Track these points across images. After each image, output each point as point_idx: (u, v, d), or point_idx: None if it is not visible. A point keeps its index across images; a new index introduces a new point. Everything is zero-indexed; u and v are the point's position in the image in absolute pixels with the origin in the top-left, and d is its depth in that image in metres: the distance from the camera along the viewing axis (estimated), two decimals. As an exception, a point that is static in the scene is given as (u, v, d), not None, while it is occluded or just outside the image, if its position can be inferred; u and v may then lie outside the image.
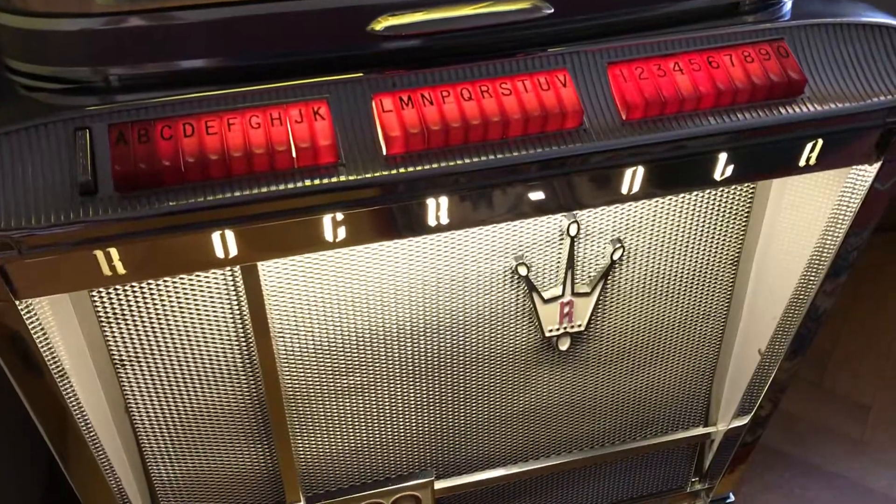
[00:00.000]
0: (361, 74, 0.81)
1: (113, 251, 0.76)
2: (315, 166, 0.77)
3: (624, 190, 0.87)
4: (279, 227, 0.79)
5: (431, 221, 0.83)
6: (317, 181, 0.77)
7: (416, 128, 0.78)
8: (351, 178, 0.77)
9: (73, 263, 0.76)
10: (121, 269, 0.77)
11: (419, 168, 0.78)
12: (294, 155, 0.76)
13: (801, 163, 0.90)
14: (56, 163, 0.74)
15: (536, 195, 0.84)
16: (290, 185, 0.76)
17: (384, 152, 0.79)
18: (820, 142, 0.88)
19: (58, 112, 0.75)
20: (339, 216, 0.79)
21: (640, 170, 0.85)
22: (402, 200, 0.80)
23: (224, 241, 0.78)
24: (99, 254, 0.76)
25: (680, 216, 1.11)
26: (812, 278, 1.13)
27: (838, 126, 0.88)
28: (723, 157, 0.87)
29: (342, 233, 0.81)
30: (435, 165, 0.79)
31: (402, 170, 0.78)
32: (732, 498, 1.52)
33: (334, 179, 0.77)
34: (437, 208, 0.82)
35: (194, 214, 0.75)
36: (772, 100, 0.86)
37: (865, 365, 1.95)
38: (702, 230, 1.14)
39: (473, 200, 0.83)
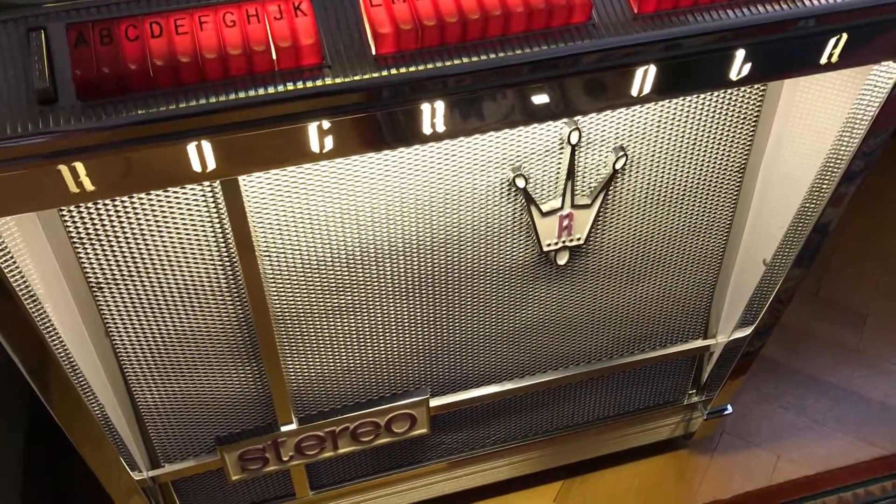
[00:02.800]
0: (345, -35, 0.73)
1: (79, 166, 0.69)
2: (297, 68, 0.70)
3: (634, 92, 0.80)
4: (260, 136, 0.72)
5: (426, 129, 0.76)
6: (300, 85, 0.70)
7: (408, 24, 0.71)
8: (337, 80, 0.70)
9: (36, 180, 0.69)
10: (89, 186, 0.71)
11: (412, 69, 0.72)
12: (274, 56, 0.69)
13: (823, 60, 0.84)
14: (10, 68, 0.67)
15: (540, 99, 0.77)
16: (271, 90, 0.69)
17: (373, 52, 0.72)
18: (844, 36, 0.82)
19: (7, 10, 0.68)
20: (326, 124, 0.73)
21: (652, 69, 0.79)
22: (394, 106, 0.73)
23: (200, 154, 0.71)
24: (63, 169, 0.69)
25: (686, 122, 1.05)
26: (824, 186, 1.08)
27: (865, 19, 0.81)
28: (740, 54, 0.80)
29: (329, 143, 0.74)
30: (429, 66, 0.72)
31: (392, 71, 0.71)
32: (730, 409, 1.51)
33: (319, 83, 0.70)
34: (432, 114, 0.75)
35: (166, 124, 0.68)
36: (795, -10, 0.79)
37: (862, 274, 1.93)
38: (708, 136, 1.08)
39: (471, 105, 0.76)
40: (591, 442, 1.50)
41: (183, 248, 0.96)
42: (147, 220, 0.92)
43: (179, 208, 0.92)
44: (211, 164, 0.73)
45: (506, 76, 0.74)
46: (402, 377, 1.23)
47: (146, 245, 0.94)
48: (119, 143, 0.68)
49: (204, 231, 0.95)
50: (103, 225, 0.91)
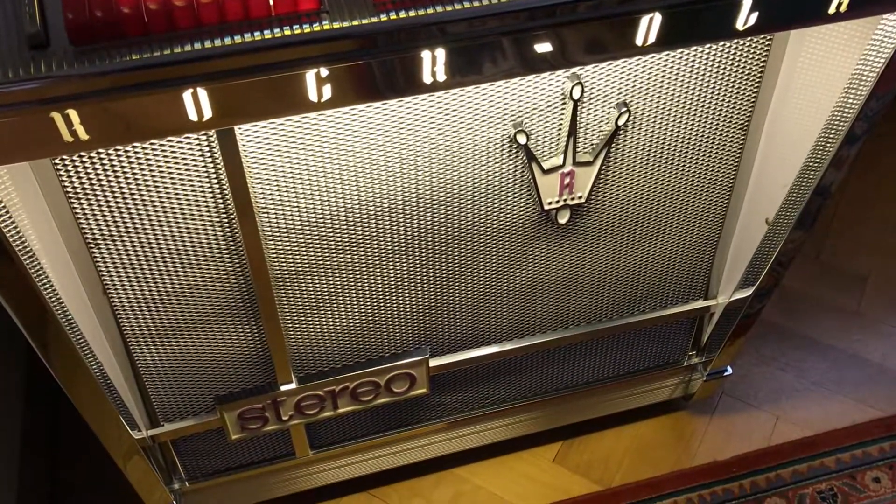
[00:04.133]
0: None
1: (72, 113, 0.68)
2: (294, 13, 0.69)
3: (639, 41, 0.79)
4: (257, 84, 0.70)
5: (426, 78, 0.75)
6: (297, 30, 0.68)
7: (409, -33, 0.69)
8: (335, 26, 0.69)
9: (28, 128, 0.68)
10: (83, 135, 0.69)
11: (412, 14, 0.70)
12: (271, 0, 0.67)
13: (831, 10, 0.82)
14: (-1, 11, 0.65)
15: (544, 47, 0.76)
16: (267, 35, 0.68)
17: (371, -3, 0.70)
18: (854, -16, 0.80)
19: (-3, -48, 0.66)
20: (324, 72, 0.71)
21: (657, 17, 0.77)
22: (393, 53, 0.72)
23: (196, 102, 0.70)
24: (56, 116, 0.68)
25: (689, 76, 1.03)
26: (828, 143, 1.06)
27: (875, -34, 0.79)
28: (747, 3, 0.79)
29: (327, 91, 0.73)
30: (430, 11, 0.70)
31: (392, 16, 0.70)
32: (730, 371, 1.51)
33: (317, 27, 0.68)
34: (433, 62, 0.74)
35: (160, 70, 0.67)
36: (804, -65, 0.77)
37: (862, 235, 1.92)
38: (712, 92, 1.06)
39: (472, 54, 0.75)
40: (591, 403, 1.50)
41: (180, 203, 0.95)
42: (143, 174, 0.91)
43: (176, 163, 0.91)
44: (207, 113, 0.71)
45: (506, 22, 0.73)
46: (402, 337, 1.22)
47: (142, 200, 0.93)
48: (113, 89, 0.67)
49: (201, 187, 0.94)
50: (99, 179, 0.90)
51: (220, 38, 0.67)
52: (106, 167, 0.89)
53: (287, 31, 0.68)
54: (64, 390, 0.99)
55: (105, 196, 0.91)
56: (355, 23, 0.69)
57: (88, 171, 0.89)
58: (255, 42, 0.68)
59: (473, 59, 0.75)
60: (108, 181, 0.90)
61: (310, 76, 0.71)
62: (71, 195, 0.91)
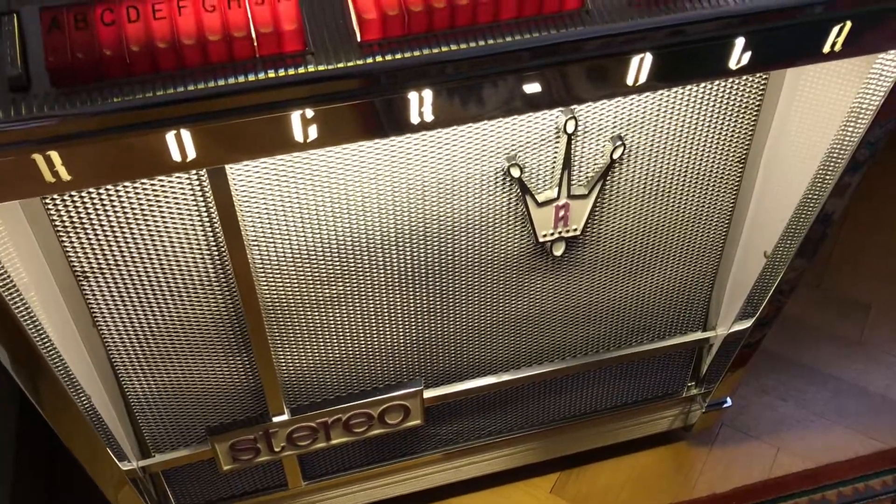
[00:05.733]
0: (332, -55, 0.70)
1: (54, 155, 0.67)
2: (279, 55, 0.68)
3: (629, 81, 0.78)
4: (241, 125, 0.70)
5: (414, 119, 0.74)
6: (281, 72, 0.67)
7: (395, 9, 0.68)
8: (320, 68, 0.68)
9: (10, 169, 0.67)
10: (65, 175, 0.69)
11: (398, 56, 0.69)
12: (255, 42, 0.67)
13: (826, 49, 0.81)
14: (-19, 54, 0.65)
15: (532, 87, 0.75)
16: (252, 78, 0.67)
17: (358, 38, 0.69)
18: (848, 24, 0.79)
19: (-21, -7, 0.65)
20: (309, 113, 0.70)
21: (648, 57, 0.76)
22: (380, 94, 0.71)
23: (180, 143, 0.69)
24: (38, 158, 0.67)
25: (685, 110, 1.02)
26: (826, 177, 1.05)
27: (870, 6, 0.78)
28: (739, 42, 0.78)
29: (313, 132, 0.72)
30: (416, 53, 0.69)
31: (378, 58, 0.69)
32: (729, 402, 1.49)
33: (301, 70, 0.68)
34: (420, 103, 0.73)
35: (143, 112, 0.66)
36: (798, -25, 0.76)
37: (865, 263, 1.90)
38: (708, 125, 1.05)
39: (461, 94, 0.74)
40: (588, 433, 1.49)
41: (170, 236, 0.94)
42: (132, 207, 0.90)
43: (165, 196, 0.90)
44: (191, 154, 0.71)
45: (496, 64, 0.72)
46: (396, 368, 1.21)
47: (132, 233, 0.93)
48: (94, 131, 0.66)
49: (191, 219, 0.93)
50: (87, 213, 0.89)
51: (203, 81, 0.66)
52: (94, 200, 0.88)
53: (271, 74, 0.67)
54: (49, 423, 0.98)
55: (94, 229, 0.91)
56: (340, 65, 0.68)
57: (77, 204, 0.88)
58: (240, 84, 0.67)
59: (461, 99, 0.74)
60: (97, 214, 0.89)
61: (295, 117, 0.71)
62: (59, 228, 0.90)
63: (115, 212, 0.90)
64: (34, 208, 0.87)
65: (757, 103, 1.05)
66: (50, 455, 1.56)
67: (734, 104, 1.03)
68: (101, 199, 0.89)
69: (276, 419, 1.18)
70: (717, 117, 1.04)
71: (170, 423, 1.16)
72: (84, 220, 0.90)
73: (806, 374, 1.70)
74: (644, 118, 1.01)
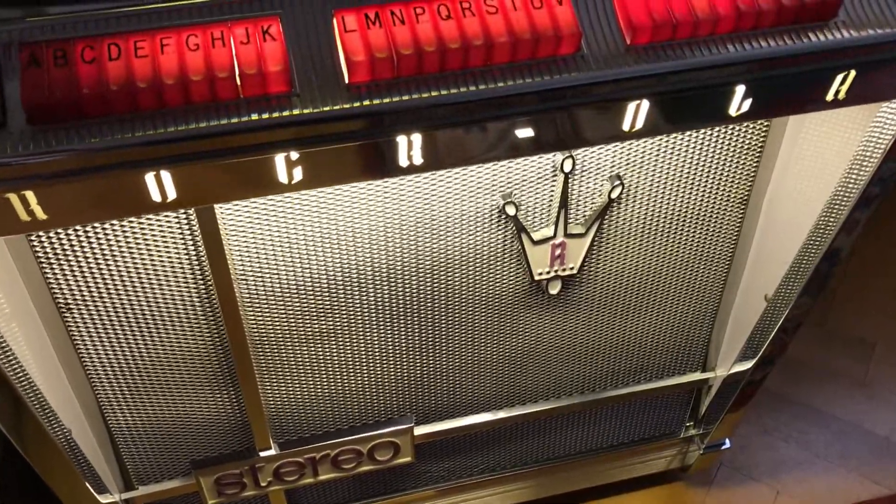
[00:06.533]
0: (321, -14, 0.69)
1: (29, 194, 0.65)
2: (264, 96, 0.66)
3: (626, 126, 0.76)
4: (224, 167, 0.68)
5: (402, 162, 0.72)
6: (265, 115, 0.65)
7: (384, 52, 0.67)
8: (306, 111, 0.66)
9: (-17, 207, 0.65)
10: (41, 215, 0.67)
11: (386, 100, 0.67)
12: (239, 83, 0.65)
13: (829, 97, 0.79)
14: (-43, 89, 0.63)
15: (524, 133, 0.73)
16: (234, 120, 0.65)
17: (346, 80, 0.67)
18: (852, 73, 0.77)
19: (-43, 27, 0.64)
20: (294, 155, 0.68)
21: (645, 104, 0.74)
22: (367, 138, 0.69)
23: (160, 183, 0.67)
24: (13, 197, 0.65)
25: (685, 151, 1.00)
26: (830, 220, 1.03)
27: (875, 56, 0.76)
28: (740, 90, 0.76)
29: (298, 174, 0.70)
30: (405, 97, 0.67)
31: (366, 102, 0.67)
32: (728, 444, 1.46)
33: (286, 113, 0.66)
34: (409, 147, 0.71)
35: (121, 152, 0.64)
36: (800, 24, 0.74)
37: (870, 302, 1.87)
38: (709, 167, 1.03)
39: (451, 139, 0.72)
40: (584, 473, 1.46)
41: (155, 269, 0.93)
42: (118, 240, 0.88)
43: (151, 229, 0.88)
44: (171, 195, 0.69)
45: (487, 110, 0.70)
46: (386, 404, 1.18)
47: (116, 266, 0.91)
48: (71, 171, 0.64)
49: (177, 253, 0.91)
50: (71, 245, 0.88)
51: (184, 122, 0.64)
52: (79, 232, 0.86)
53: (255, 116, 0.65)
54: (24, 455, 0.96)
55: (77, 261, 0.89)
56: (327, 108, 0.66)
57: (60, 236, 0.86)
58: (222, 126, 0.65)
59: (452, 144, 0.72)
60: (81, 247, 0.88)
61: (279, 159, 0.69)
62: (42, 260, 0.88)
63: (99, 244, 0.88)
64: (17, 239, 0.85)
65: (760, 145, 1.03)
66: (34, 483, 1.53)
67: (736, 146, 1.01)
68: (85, 232, 0.87)
69: (262, 454, 1.16)
70: (719, 158, 1.02)
71: (154, 456, 1.14)
72: (68, 252, 0.88)
73: (808, 415, 1.67)
74: (644, 158, 0.99)
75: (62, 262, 0.89)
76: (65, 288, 0.91)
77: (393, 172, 0.73)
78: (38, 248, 0.87)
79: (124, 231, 0.88)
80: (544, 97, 0.71)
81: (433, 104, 0.68)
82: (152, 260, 0.91)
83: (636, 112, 0.74)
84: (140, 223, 0.88)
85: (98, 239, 0.88)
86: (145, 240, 0.89)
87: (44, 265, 0.89)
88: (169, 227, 0.89)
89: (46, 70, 0.63)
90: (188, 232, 0.90)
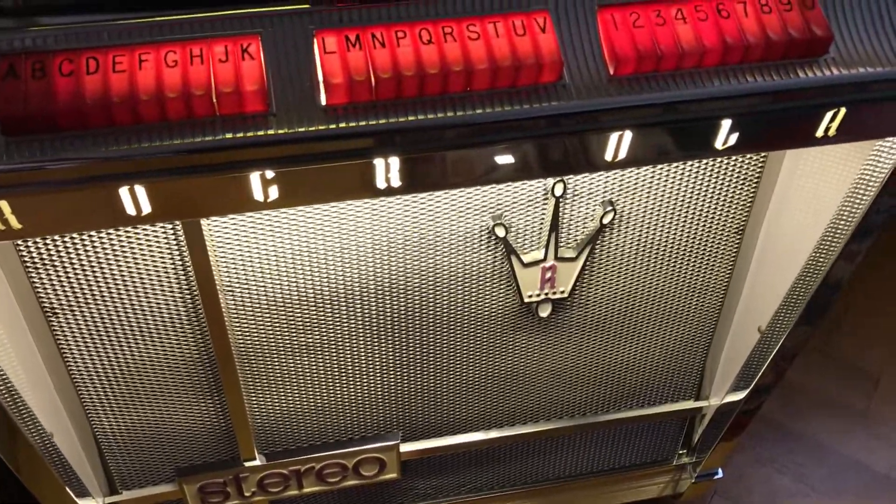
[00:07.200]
0: (305, 6, 0.68)
1: (3, 204, 0.65)
2: (240, 115, 0.66)
3: (608, 157, 0.75)
4: (199, 183, 0.68)
5: (380, 184, 0.72)
6: (240, 134, 0.65)
7: (362, 74, 0.66)
8: (281, 131, 0.66)
9: (-42, 215, 0.66)
10: (15, 224, 0.67)
11: (363, 123, 0.67)
12: (215, 101, 0.65)
13: (819, 133, 0.78)
14: (-64, 98, 0.63)
15: (504, 159, 0.72)
16: (209, 137, 0.65)
17: (323, 102, 0.67)
18: (843, 111, 0.75)
19: (-62, 36, 0.64)
20: (270, 174, 0.68)
21: (628, 135, 0.73)
22: (344, 159, 0.69)
23: (134, 198, 0.67)
24: (-13, 206, 0.65)
25: (680, 179, 0.99)
26: (824, 255, 1.01)
27: (866, 94, 0.75)
28: (726, 124, 0.74)
29: (274, 192, 0.70)
30: (381, 121, 0.67)
31: (342, 124, 0.67)
32: (721, 474, 1.44)
33: (261, 132, 0.66)
34: (387, 169, 0.70)
35: (95, 166, 0.64)
36: (789, 59, 0.72)
37: (876, 334, 1.84)
38: (704, 196, 1.02)
39: (429, 162, 0.71)
40: (573, 496, 1.44)
41: (141, 277, 0.93)
42: (104, 248, 0.89)
43: (138, 238, 0.89)
44: (146, 209, 0.69)
45: (466, 136, 0.69)
46: (372, 420, 1.18)
47: (103, 273, 0.91)
48: (46, 183, 0.65)
49: (164, 262, 0.92)
50: (58, 250, 0.88)
51: (159, 138, 0.64)
52: (66, 239, 0.86)
53: (229, 135, 0.65)
54: (6, 463, 0.96)
55: (64, 267, 0.89)
56: (302, 129, 0.66)
57: (48, 241, 0.86)
58: (197, 143, 0.65)
59: (430, 168, 0.72)
60: (68, 253, 0.88)
61: (255, 178, 0.68)
62: (28, 265, 0.89)
63: (86, 251, 0.88)
64: (4, 243, 0.86)
65: (757, 174, 1.02)
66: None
67: (733, 174, 1.00)
68: (72, 238, 0.87)
69: (247, 464, 1.16)
70: (715, 187, 1.01)
71: (139, 462, 1.14)
72: (55, 258, 0.88)
73: (806, 447, 1.65)
74: (637, 185, 0.98)
75: (48, 267, 0.89)
76: (51, 293, 0.92)
77: (371, 194, 0.73)
78: (24, 254, 0.88)
79: (111, 239, 0.88)
80: (524, 125, 0.70)
81: (411, 128, 0.68)
82: (139, 268, 0.92)
83: (619, 142, 0.73)
84: (127, 232, 0.88)
85: (85, 246, 0.88)
86: (132, 248, 0.90)
87: (30, 270, 0.89)
88: (156, 236, 0.89)
89: (24, 82, 0.63)
90: (174, 242, 0.90)
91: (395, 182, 0.72)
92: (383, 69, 0.66)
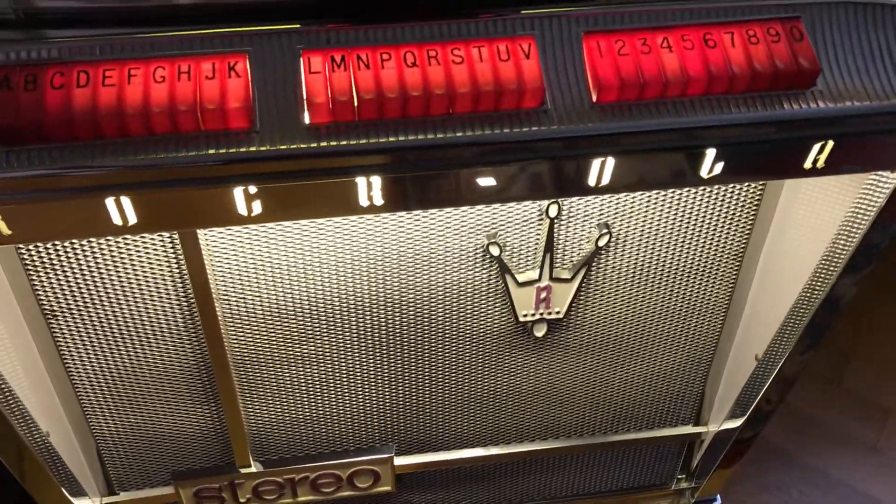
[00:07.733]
0: (294, 25, 0.70)
1: (-7, 210, 0.67)
2: (224, 131, 0.67)
3: (591, 182, 0.75)
4: (183, 195, 0.69)
5: (363, 202, 0.73)
6: (223, 150, 0.67)
7: (345, 95, 0.67)
8: (264, 148, 0.67)
9: (-51, 221, 0.68)
10: (5, 230, 0.69)
11: (344, 142, 0.68)
12: (199, 116, 0.66)
13: (807, 165, 0.77)
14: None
15: (485, 181, 0.73)
16: (194, 152, 0.67)
17: (306, 121, 0.68)
18: (830, 144, 0.75)
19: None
20: (252, 189, 0.70)
21: (610, 161, 0.73)
22: (325, 177, 0.70)
23: (120, 208, 0.69)
24: (-24, 211, 0.67)
25: (678, 204, 0.99)
26: (819, 283, 1.00)
27: (853, 127, 0.74)
28: (710, 153, 0.74)
29: (257, 207, 0.71)
30: (363, 141, 0.68)
31: (324, 143, 0.68)
32: (719, 501, 1.42)
33: (244, 149, 0.67)
34: (369, 188, 0.72)
35: (82, 177, 0.66)
36: (775, 91, 0.72)
37: (888, 367, 1.81)
38: (703, 220, 1.01)
39: (411, 183, 0.72)
40: (569, 516, 1.44)
41: (139, 283, 0.95)
42: (103, 254, 0.91)
43: (136, 245, 0.91)
44: (132, 220, 0.70)
45: (447, 157, 0.70)
46: (367, 432, 1.19)
47: (101, 278, 0.93)
48: (34, 191, 0.67)
49: (160, 269, 0.93)
50: (58, 253, 0.90)
51: (144, 152, 0.66)
52: (66, 243, 0.89)
53: (212, 151, 0.67)
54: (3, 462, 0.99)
55: (64, 271, 0.92)
56: (284, 146, 0.67)
57: (48, 244, 0.89)
58: (180, 158, 0.66)
59: (413, 188, 0.72)
60: (67, 256, 0.90)
61: (237, 192, 0.70)
62: (29, 267, 0.91)
63: (85, 256, 0.90)
64: (4, 245, 0.88)
65: (756, 199, 1.01)
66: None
67: (731, 199, 1.00)
68: (71, 243, 0.89)
69: (242, 470, 1.17)
70: (713, 212, 1.00)
71: (136, 463, 1.16)
72: (55, 261, 0.90)
73: (814, 476, 1.62)
74: (633, 208, 0.98)
75: (48, 270, 0.91)
76: (51, 295, 0.94)
77: (353, 211, 0.74)
78: (25, 256, 0.90)
79: (110, 245, 0.90)
80: (505, 149, 0.70)
81: (392, 148, 0.69)
82: (137, 275, 0.94)
83: (601, 168, 0.74)
84: (126, 240, 0.90)
85: (84, 251, 0.90)
86: (129, 255, 0.92)
87: (31, 272, 0.91)
88: (153, 244, 0.91)
89: (16, 93, 0.65)
90: (172, 251, 0.92)
91: (378, 200, 0.73)
92: (366, 90, 0.67)
